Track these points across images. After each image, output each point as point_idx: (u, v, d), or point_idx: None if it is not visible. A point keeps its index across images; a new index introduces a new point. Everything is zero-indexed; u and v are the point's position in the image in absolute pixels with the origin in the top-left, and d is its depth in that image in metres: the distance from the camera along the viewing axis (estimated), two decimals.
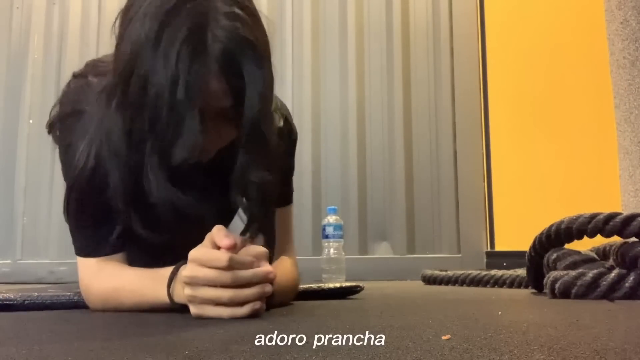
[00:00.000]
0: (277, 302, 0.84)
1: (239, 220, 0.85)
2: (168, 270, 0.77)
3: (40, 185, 2.74)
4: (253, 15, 0.74)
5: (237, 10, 0.71)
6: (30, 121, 2.79)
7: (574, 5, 2.48)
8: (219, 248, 0.71)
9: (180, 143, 0.69)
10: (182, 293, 0.75)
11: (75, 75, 0.88)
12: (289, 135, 0.96)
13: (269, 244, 0.81)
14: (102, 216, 0.85)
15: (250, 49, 0.71)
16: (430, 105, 2.64)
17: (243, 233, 0.79)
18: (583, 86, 2.41)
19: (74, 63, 2.79)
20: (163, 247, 0.79)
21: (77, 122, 0.84)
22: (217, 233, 0.72)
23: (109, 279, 0.84)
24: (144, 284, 0.80)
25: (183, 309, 0.75)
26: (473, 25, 2.64)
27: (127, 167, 0.75)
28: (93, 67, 0.88)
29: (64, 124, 0.87)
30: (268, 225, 0.82)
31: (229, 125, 0.75)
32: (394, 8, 2.69)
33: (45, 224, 2.70)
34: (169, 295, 0.76)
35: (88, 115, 0.82)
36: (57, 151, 0.90)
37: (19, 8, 2.88)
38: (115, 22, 0.77)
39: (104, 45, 2.80)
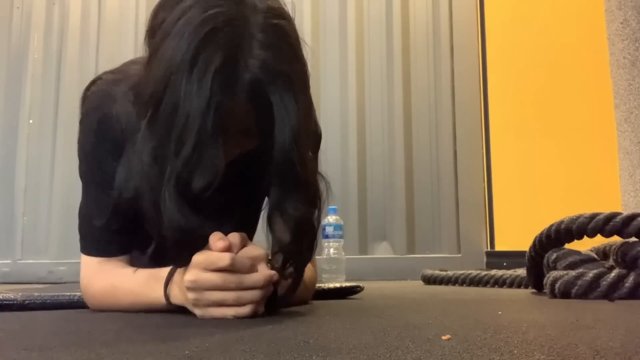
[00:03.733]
0: (289, 302, 0.84)
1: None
2: (165, 270, 0.78)
3: (40, 185, 2.74)
4: (290, 43, 0.72)
5: (273, 39, 0.69)
6: (30, 121, 2.79)
7: (574, 5, 2.48)
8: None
9: (200, 171, 0.67)
10: (178, 295, 0.75)
11: (103, 79, 0.86)
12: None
13: (299, 277, 0.77)
14: (115, 218, 0.85)
15: (282, 81, 0.68)
16: (430, 106, 2.64)
17: (280, 270, 0.74)
18: (583, 86, 2.41)
19: (74, 63, 2.80)
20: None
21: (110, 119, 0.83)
22: (212, 237, 0.71)
23: (107, 277, 0.85)
24: (142, 283, 0.81)
25: (179, 310, 0.75)
26: (473, 25, 2.64)
27: (157, 188, 0.72)
28: (125, 73, 0.85)
29: (91, 125, 0.85)
30: (302, 259, 0.77)
31: (245, 141, 0.74)
32: (394, 8, 2.69)
33: (45, 224, 2.71)
34: (166, 296, 0.76)
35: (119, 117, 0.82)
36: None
37: (19, 8, 2.88)
38: (147, 33, 0.74)
39: (104, 45, 2.80)
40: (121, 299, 0.83)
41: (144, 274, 0.82)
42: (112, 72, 0.88)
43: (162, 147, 0.69)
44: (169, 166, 0.69)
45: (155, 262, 0.81)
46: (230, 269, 0.69)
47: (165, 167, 0.69)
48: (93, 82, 0.88)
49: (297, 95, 0.70)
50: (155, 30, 0.72)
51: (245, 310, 0.71)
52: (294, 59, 0.72)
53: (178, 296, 0.75)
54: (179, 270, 0.75)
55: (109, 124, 0.83)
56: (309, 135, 0.78)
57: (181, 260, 0.73)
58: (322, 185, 0.80)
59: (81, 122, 0.87)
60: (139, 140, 0.73)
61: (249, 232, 0.90)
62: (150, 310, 0.79)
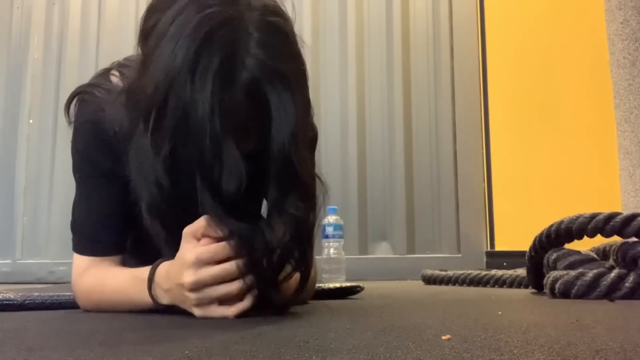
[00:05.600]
0: (286, 300, 0.84)
1: None
2: (147, 270, 0.77)
3: (40, 185, 2.74)
4: (287, 41, 0.72)
5: (269, 37, 0.68)
6: (30, 121, 2.79)
7: (574, 5, 2.48)
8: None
9: (226, 174, 0.66)
10: (164, 295, 0.75)
11: (96, 94, 0.85)
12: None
13: (305, 277, 0.76)
14: (108, 216, 0.86)
15: (279, 80, 0.67)
16: (430, 105, 2.64)
17: (277, 268, 0.73)
18: (583, 86, 2.41)
19: (74, 63, 2.80)
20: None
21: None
22: (208, 227, 0.69)
23: (97, 273, 0.85)
24: (127, 282, 0.80)
25: (168, 309, 0.75)
26: (473, 25, 2.64)
27: (168, 198, 0.70)
28: (115, 89, 0.84)
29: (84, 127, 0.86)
30: (305, 259, 0.76)
31: (245, 142, 0.71)
32: (394, 8, 2.69)
33: (45, 224, 2.71)
34: (152, 297, 0.76)
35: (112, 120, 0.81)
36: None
37: (19, 8, 2.88)
38: (140, 35, 0.73)
39: (104, 45, 2.80)
40: (108, 297, 0.83)
41: (130, 273, 0.82)
42: (105, 88, 0.87)
43: (175, 155, 0.67)
44: (197, 175, 0.67)
45: (151, 261, 0.81)
46: (232, 257, 0.69)
47: (180, 175, 0.68)
48: (78, 93, 0.87)
49: (295, 93, 0.69)
50: (149, 33, 0.70)
51: (247, 302, 0.70)
52: (291, 57, 0.72)
53: (164, 297, 0.75)
54: (159, 270, 0.75)
55: (103, 126, 0.83)
56: (307, 135, 0.77)
57: None
58: (319, 186, 0.78)
59: (75, 123, 0.87)
60: (143, 148, 0.70)
61: None
62: (136, 310, 0.79)
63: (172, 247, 0.73)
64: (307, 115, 0.75)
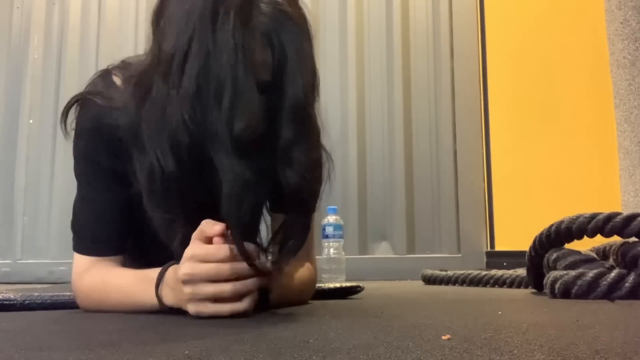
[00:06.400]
0: (286, 301, 0.84)
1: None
2: (155, 271, 0.77)
3: (40, 185, 2.74)
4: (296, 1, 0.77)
5: None
6: (30, 121, 2.79)
7: (574, 5, 2.48)
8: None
9: (239, 114, 0.68)
10: (170, 295, 0.75)
11: (97, 101, 0.85)
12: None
13: (300, 241, 0.78)
14: (110, 216, 0.86)
15: (293, 24, 0.72)
16: (430, 105, 2.64)
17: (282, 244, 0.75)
18: (583, 86, 2.41)
19: (74, 63, 2.80)
20: (165, 255, 0.78)
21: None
22: (207, 224, 0.71)
23: (98, 273, 0.85)
24: (132, 283, 0.81)
25: (172, 310, 0.75)
26: (473, 25, 2.64)
27: (189, 157, 0.71)
28: (117, 98, 0.84)
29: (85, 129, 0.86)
30: (311, 205, 0.78)
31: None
32: (394, 8, 2.69)
33: (45, 224, 2.71)
34: (158, 297, 0.76)
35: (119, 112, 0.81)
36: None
37: (19, 8, 2.88)
38: (153, 14, 0.76)
39: (104, 45, 2.80)
40: (111, 296, 0.83)
41: (134, 274, 0.82)
42: (106, 96, 0.86)
43: (200, 101, 0.69)
44: (213, 113, 0.68)
45: (150, 263, 0.81)
46: (227, 260, 0.69)
47: (205, 120, 0.69)
48: (77, 100, 0.87)
49: (306, 37, 0.74)
50: (163, 9, 0.74)
51: (243, 305, 0.70)
52: (300, 10, 0.76)
53: (170, 296, 0.75)
54: (169, 271, 0.76)
55: (105, 126, 0.83)
56: (316, 86, 0.79)
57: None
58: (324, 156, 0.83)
59: (77, 124, 0.87)
60: (161, 100, 0.71)
61: None
62: (139, 310, 0.79)
63: (184, 229, 0.74)
64: (314, 62, 0.77)
